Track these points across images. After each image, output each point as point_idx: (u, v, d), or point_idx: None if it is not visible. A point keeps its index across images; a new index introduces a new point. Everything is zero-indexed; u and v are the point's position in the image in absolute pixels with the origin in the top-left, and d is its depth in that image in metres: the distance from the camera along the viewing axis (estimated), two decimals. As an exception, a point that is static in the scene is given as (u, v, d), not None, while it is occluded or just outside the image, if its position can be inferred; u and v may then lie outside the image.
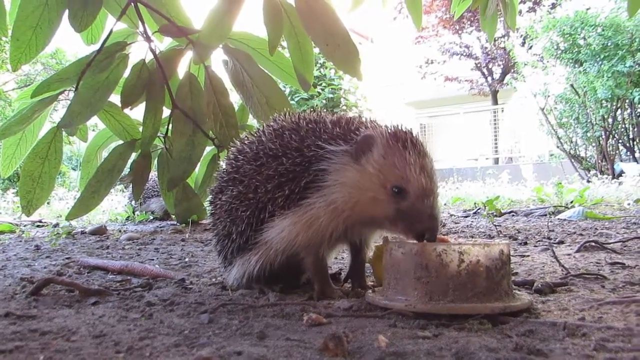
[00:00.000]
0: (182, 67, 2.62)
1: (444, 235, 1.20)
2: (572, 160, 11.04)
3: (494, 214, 3.28)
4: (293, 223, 1.17)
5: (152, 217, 4.06)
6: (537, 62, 11.28)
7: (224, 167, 1.39)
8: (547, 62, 11.05)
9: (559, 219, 3.11)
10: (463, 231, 2.60)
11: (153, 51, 2.43)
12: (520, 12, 16.59)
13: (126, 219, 4.12)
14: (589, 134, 10.64)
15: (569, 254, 1.73)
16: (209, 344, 0.83)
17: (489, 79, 18.18)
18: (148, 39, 2.41)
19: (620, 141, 10.65)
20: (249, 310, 1.09)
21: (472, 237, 2.09)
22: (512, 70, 13.74)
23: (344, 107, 13.20)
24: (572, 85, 10.50)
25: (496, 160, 17.90)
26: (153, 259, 1.97)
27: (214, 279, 1.48)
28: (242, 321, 1.00)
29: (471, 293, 0.97)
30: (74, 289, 1.28)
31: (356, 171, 1.14)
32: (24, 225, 3.61)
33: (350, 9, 3.52)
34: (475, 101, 19.79)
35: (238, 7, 2.33)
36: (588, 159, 11.03)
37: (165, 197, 2.90)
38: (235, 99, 2.87)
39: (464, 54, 17.93)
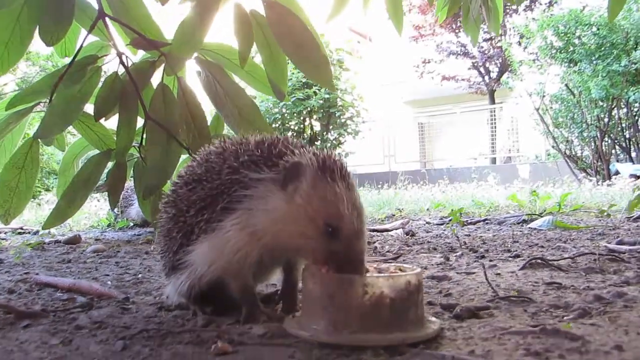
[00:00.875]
0: (157, 78, 2.65)
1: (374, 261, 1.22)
2: (568, 160, 11.04)
3: (457, 225, 3.31)
4: (210, 247, 1.17)
5: (132, 224, 4.10)
6: (532, 62, 11.27)
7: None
8: (543, 61, 11.05)
9: (529, 227, 3.13)
10: (429, 242, 2.62)
11: (124, 64, 2.46)
12: (516, 10, 16.57)
13: (107, 226, 4.16)
14: (584, 134, 10.63)
15: (513, 272, 1.74)
16: None
17: (486, 78, 18.18)
18: (119, 53, 2.44)
19: (616, 141, 10.65)
20: (167, 336, 1.11)
21: (398, 258, 2.08)
22: (509, 69, 13.74)
23: (341, 107, 13.21)
24: (567, 85, 10.49)
25: (493, 160, 17.90)
26: (109, 274, 2.00)
27: (157, 298, 1.51)
28: (154, 349, 1.03)
29: (374, 324, 0.99)
30: (9, 313, 1.31)
31: (282, 200, 1.12)
32: (4, 233, 3.65)
33: (327, 18, 3.55)
34: (473, 100, 19.79)
35: (209, 18, 2.35)
36: (584, 159, 11.03)
37: (142, 205, 2.93)
38: (211, 109, 2.90)
39: (461, 52, 17.93)
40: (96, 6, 2.38)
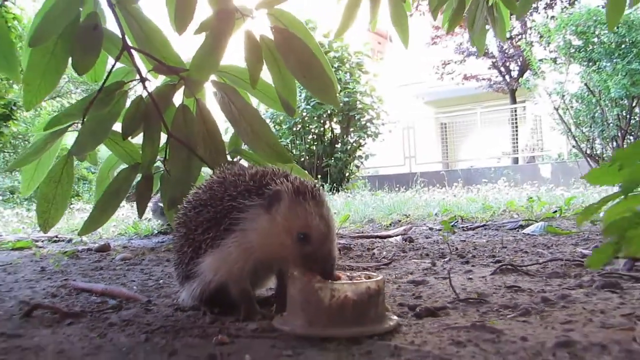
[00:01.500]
0: (178, 99, 2.90)
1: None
2: (589, 159, 10.98)
3: (448, 233, 3.47)
4: (215, 259, 1.45)
5: (156, 232, 4.39)
6: (551, 61, 11.24)
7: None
8: (562, 60, 11.01)
9: (523, 233, 3.27)
10: (425, 248, 2.80)
11: (146, 89, 2.72)
12: (537, 8, 16.46)
13: (134, 234, 4.46)
14: (605, 133, 10.57)
15: (484, 277, 1.91)
16: (128, 356, 1.13)
17: (507, 77, 18.06)
18: (143, 79, 2.69)
19: (638, 140, 10.55)
20: (180, 331, 1.37)
21: (389, 264, 2.34)
22: (529, 68, 13.69)
23: (360, 110, 13.36)
24: (586, 84, 10.45)
25: (516, 160, 17.78)
26: (134, 280, 2.26)
27: (174, 301, 1.76)
28: (169, 341, 1.28)
29: (340, 321, 1.24)
30: (56, 313, 1.58)
31: (267, 220, 1.40)
32: (42, 241, 3.97)
33: (336, 34, 3.75)
34: (495, 99, 19.68)
35: (223, 45, 2.59)
36: (605, 159, 10.95)
37: (168, 214, 3.19)
38: (227, 126, 3.13)
39: (481, 52, 17.82)
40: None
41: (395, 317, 1.34)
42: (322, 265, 1.34)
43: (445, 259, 2.24)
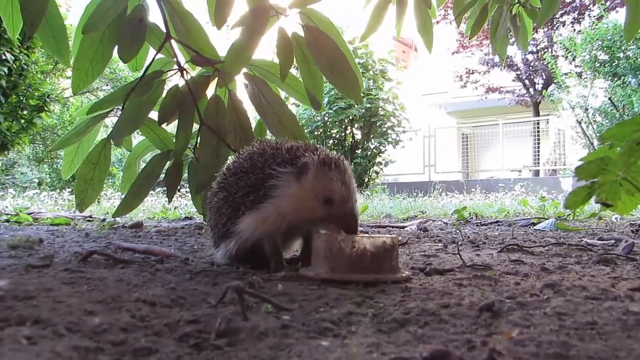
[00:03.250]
0: (211, 90, 3.08)
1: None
2: (610, 174, 10.90)
3: (462, 222, 3.57)
4: (254, 219, 1.63)
5: (184, 217, 4.58)
6: (576, 75, 11.24)
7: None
8: (587, 75, 11.01)
9: (534, 229, 3.38)
10: (438, 236, 2.94)
11: (185, 78, 2.90)
12: (564, 23, 16.42)
13: (162, 218, 4.67)
14: (627, 148, 10.50)
15: (491, 254, 2.06)
16: (177, 287, 1.32)
17: (531, 90, 18.00)
18: (181, 69, 2.88)
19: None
20: (219, 275, 1.57)
21: (404, 244, 2.53)
22: (554, 82, 13.66)
23: (382, 116, 13.48)
24: (610, 99, 10.43)
25: (537, 173, 17.67)
26: (171, 246, 2.45)
27: (210, 259, 1.94)
28: (211, 279, 1.48)
29: (360, 268, 1.41)
30: (109, 259, 1.80)
31: (297, 187, 1.60)
32: (78, 219, 4.20)
33: (362, 37, 3.91)
34: (518, 112, 19.61)
35: (257, 40, 2.76)
36: (627, 173, 10.87)
37: (194, 199, 3.37)
38: (255, 116, 3.31)
39: (505, 64, 17.81)
40: (163, 29, 2.83)
41: (407, 272, 1.53)
42: (345, 222, 1.55)
43: (457, 244, 2.37)
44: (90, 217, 4.49)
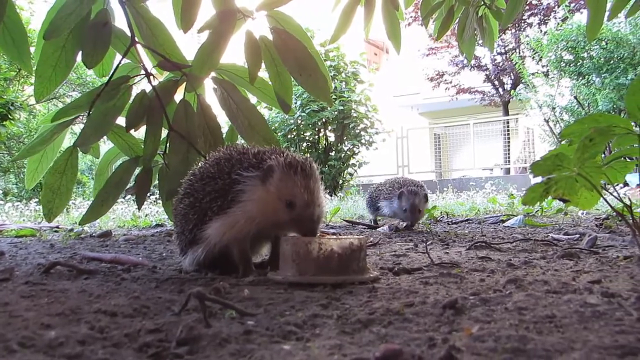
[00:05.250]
0: (179, 95, 3.04)
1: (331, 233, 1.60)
2: (578, 170, 11.19)
3: (432, 221, 3.63)
4: (222, 224, 1.62)
5: (154, 224, 4.52)
6: (542, 74, 11.51)
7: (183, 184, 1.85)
8: (553, 74, 11.28)
9: (503, 226, 3.45)
10: (409, 236, 2.98)
11: (151, 83, 2.87)
12: (530, 25, 16.79)
13: (133, 226, 4.59)
14: (593, 145, 10.79)
15: (459, 252, 2.09)
16: (141, 296, 1.29)
17: (500, 90, 18.35)
18: (148, 74, 2.84)
19: (625, 152, 10.78)
20: (186, 282, 1.55)
21: (375, 245, 2.55)
22: (522, 82, 13.95)
23: (355, 118, 13.54)
24: (576, 97, 10.71)
25: (507, 171, 18.02)
26: (139, 254, 2.41)
27: (178, 266, 1.92)
28: (177, 287, 1.46)
29: (327, 270, 1.42)
30: (72, 270, 1.76)
31: (263, 191, 1.60)
32: (44, 230, 4.09)
33: (331, 40, 3.92)
34: (488, 112, 19.96)
35: (224, 43, 2.74)
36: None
37: (165, 206, 3.32)
38: (226, 120, 3.29)
39: (475, 65, 18.13)
40: (129, 34, 2.79)
41: (375, 272, 1.54)
42: (305, 226, 1.56)
43: (428, 243, 2.40)
44: (58, 227, 4.39)
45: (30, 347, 0.84)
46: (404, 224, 3.51)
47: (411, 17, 17.74)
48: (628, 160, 1.98)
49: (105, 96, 2.79)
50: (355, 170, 14.32)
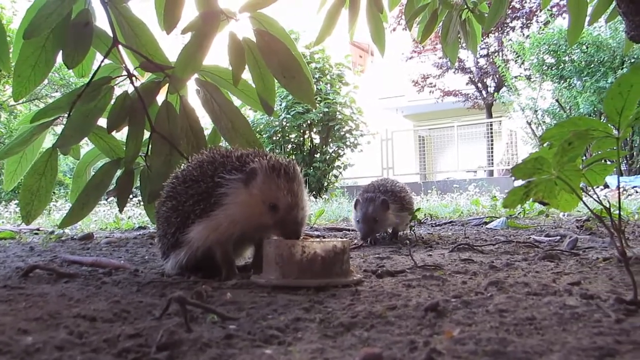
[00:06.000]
0: (161, 96, 3.02)
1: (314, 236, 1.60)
2: (559, 172, 11.35)
3: (416, 223, 3.66)
4: (205, 228, 1.61)
5: (137, 226, 4.47)
6: (525, 78, 11.66)
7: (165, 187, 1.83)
8: (535, 77, 11.43)
9: (487, 227, 3.49)
10: (393, 238, 2.99)
11: (134, 84, 2.84)
12: (513, 28, 17.01)
13: (115, 228, 4.53)
14: (574, 148, 10.95)
15: (442, 254, 2.11)
16: (122, 300, 1.28)
17: (484, 92, 18.54)
18: (130, 75, 2.81)
19: (605, 154, 10.96)
20: (168, 285, 1.54)
21: (358, 248, 2.57)
22: (505, 84, 14.12)
23: (340, 120, 13.56)
24: (557, 100, 10.87)
25: (491, 173, 18.21)
26: (121, 257, 2.38)
27: (161, 269, 1.90)
28: (159, 290, 1.44)
29: (310, 273, 1.42)
30: (52, 273, 1.73)
31: (246, 194, 1.60)
32: (24, 233, 4.02)
33: (316, 42, 3.92)
34: (472, 114, 20.16)
35: (207, 45, 2.72)
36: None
37: (147, 208, 3.29)
38: (209, 122, 3.26)
39: (458, 68, 18.29)
40: (111, 34, 2.76)
41: (359, 275, 1.54)
42: (287, 228, 1.56)
43: (411, 245, 2.41)
44: (38, 229, 4.31)
45: (6, 354, 0.82)
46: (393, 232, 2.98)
47: (396, 20, 17.88)
48: (608, 162, 2.01)
49: (86, 97, 2.76)
50: (340, 173, 14.34)
